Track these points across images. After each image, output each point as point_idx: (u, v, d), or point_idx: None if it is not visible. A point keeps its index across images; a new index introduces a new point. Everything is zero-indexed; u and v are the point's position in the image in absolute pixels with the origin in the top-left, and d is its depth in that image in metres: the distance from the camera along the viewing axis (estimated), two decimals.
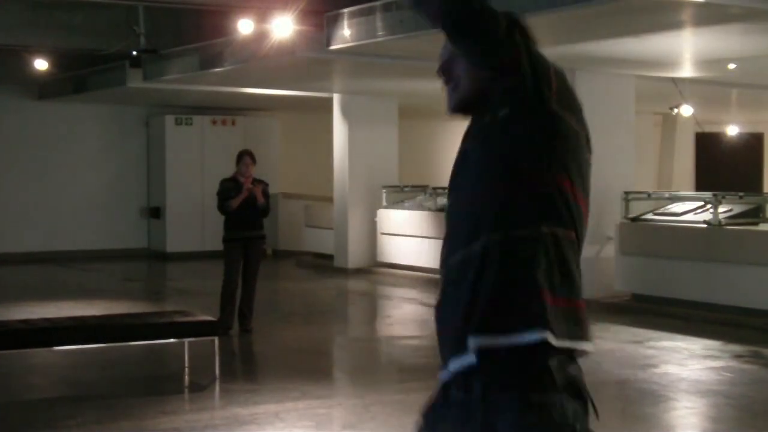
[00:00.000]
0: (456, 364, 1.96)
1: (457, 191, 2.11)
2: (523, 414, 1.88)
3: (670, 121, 17.52)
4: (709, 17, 7.74)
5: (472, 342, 1.92)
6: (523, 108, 2.02)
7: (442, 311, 2.04)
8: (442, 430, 2.00)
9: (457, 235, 2.05)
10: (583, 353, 2.00)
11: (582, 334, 1.99)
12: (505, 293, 1.93)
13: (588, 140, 2.20)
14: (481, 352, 1.93)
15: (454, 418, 1.97)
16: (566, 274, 1.98)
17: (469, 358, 1.93)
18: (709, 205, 9.87)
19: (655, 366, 7.33)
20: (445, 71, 2.17)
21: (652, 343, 8.25)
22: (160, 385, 6.70)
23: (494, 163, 2.03)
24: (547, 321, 1.92)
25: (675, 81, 11.69)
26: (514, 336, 1.92)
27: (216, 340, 6.70)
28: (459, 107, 2.17)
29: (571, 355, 1.97)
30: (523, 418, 1.88)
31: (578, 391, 1.96)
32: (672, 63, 10.45)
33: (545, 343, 1.90)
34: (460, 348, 1.94)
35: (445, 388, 2.00)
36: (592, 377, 7.40)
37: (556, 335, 1.92)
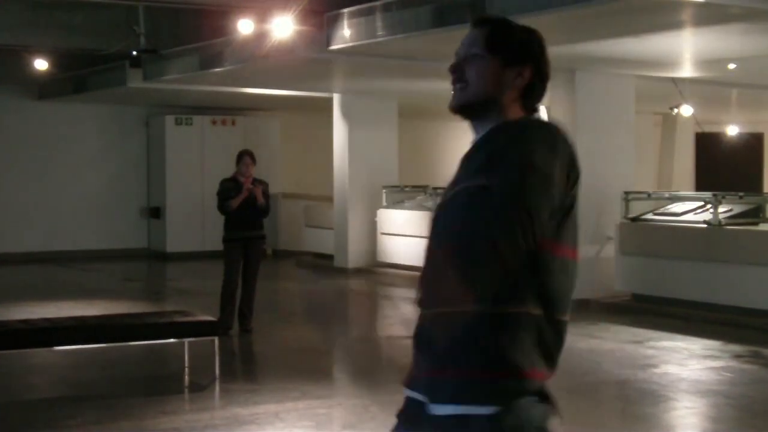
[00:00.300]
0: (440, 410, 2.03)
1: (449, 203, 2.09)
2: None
3: (670, 121, 17.52)
4: (709, 17, 7.74)
5: (451, 409, 2.00)
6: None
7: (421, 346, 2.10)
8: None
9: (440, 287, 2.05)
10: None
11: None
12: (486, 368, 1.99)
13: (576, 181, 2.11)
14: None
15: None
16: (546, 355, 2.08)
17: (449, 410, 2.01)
18: (709, 205, 9.87)
19: (655, 366, 7.33)
20: (458, 70, 2.14)
21: (652, 343, 8.25)
22: (160, 385, 6.70)
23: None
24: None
25: (675, 81, 11.69)
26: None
27: (216, 340, 6.70)
28: (463, 108, 2.14)
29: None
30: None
31: (544, 395, 2.11)
32: (672, 63, 10.45)
33: None
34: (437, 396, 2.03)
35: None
36: (593, 377, 7.45)
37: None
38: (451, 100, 2.15)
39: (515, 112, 2.11)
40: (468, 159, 2.11)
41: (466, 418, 1.98)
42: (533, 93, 2.14)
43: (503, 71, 2.10)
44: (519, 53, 2.10)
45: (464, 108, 2.13)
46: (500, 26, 2.15)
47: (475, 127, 2.14)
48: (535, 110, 2.15)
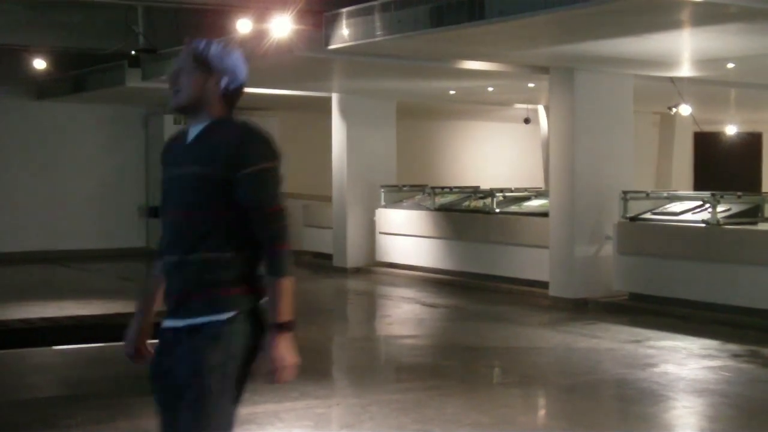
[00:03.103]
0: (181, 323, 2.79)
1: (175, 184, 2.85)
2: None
3: (668, 121, 17.54)
4: (707, 17, 7.75)
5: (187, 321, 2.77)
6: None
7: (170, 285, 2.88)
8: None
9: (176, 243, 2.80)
10: None
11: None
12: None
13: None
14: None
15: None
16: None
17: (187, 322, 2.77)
18: (707, 205, 9.88)
19: (653, 365, 7.34)
20: (174, 79, 2.83)
21: (650, 343, 8.26)
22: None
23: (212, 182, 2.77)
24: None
25: (673, 80, 11.70)
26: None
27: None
28: (179, 109, 2.84)
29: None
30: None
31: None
32: (670, 62, 10.46)
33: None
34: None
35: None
36: (591, 376, 7.44)
37: None
38: (171, 101, 2.85)
39: (218, 110, 2.83)
40: (187, 148, 2.79)
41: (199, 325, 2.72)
42: (231, 95, 2.86)
43: (205, 80, 2.81)
44: (215, 66, 2.82)
45: (180, 108, 2.84)
46: (204, 46, 2.85)
47: (191, 121, 2.84)
48: (233, 107, 2.88)
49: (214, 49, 2.85)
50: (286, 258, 2.72)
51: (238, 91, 2.88)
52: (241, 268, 2.72)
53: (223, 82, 2.83)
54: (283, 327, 2.68)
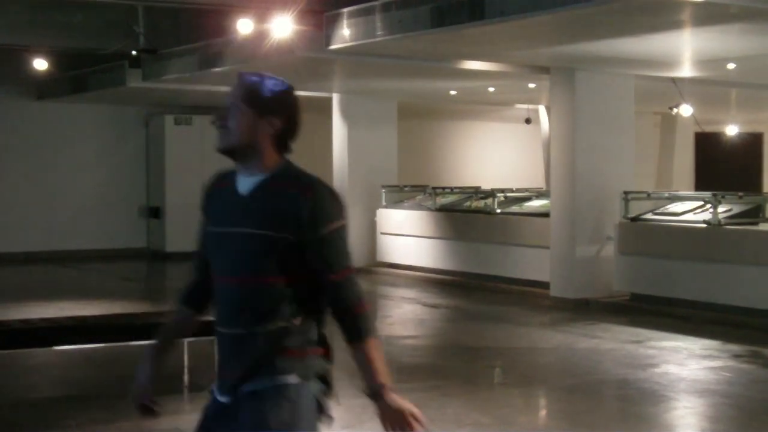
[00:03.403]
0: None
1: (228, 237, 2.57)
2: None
3: (669, 121, 17.53)
4: (708, 17, 7.75)
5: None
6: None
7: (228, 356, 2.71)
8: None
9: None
10: None
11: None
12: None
13: None
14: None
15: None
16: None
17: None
18: (708, 205, 9.88)
19: (654, 366, 7.34)
20: (222, 117, 2.55)
21: (651, 343, 8.26)
22: (160, 384, 6.69)
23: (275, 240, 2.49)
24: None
25: (674, 81, 11.70)
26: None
27: (215, 339, 6.68)
28: (227, 150, 2.56)
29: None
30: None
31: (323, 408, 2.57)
32: (671, 63, 10.46)
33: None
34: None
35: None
36: (592, 377, 7.43)
37: None
38: (217, 142, 2.58)
39: (272, 158, 2.51)
40: (244, 203, 2.50)
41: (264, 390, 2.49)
42: (285, 138, 2.52)
43: (257, 121, 2.49)
44: (270, 106, 2.49)
45: (226, 151, 2.56)
46: (256, 83, 2.53)
47: (239, 165, 2.56)
48: (288, 151, 2.54)
49: (270, 86, 2.50)
50: (371, 318, 2.52)
51: (293, 135, 2.54)
52: (310, 331, 2.50)
53: (277, 124, 2.49)
54: (386, 387, 2.43)
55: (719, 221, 9.54)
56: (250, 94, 2.51)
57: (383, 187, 14.04)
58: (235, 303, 2.55)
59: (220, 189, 2.61)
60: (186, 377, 6.67)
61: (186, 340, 6.66)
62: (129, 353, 7.32)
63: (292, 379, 2.46)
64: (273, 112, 2.49)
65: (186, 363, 6.69)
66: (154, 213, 16.35)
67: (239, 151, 2.52)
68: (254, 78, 2.53)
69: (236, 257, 2.48)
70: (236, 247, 2.47)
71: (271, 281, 2.44)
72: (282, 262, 2.42)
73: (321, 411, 2.53)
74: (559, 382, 7.01)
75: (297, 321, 2.47)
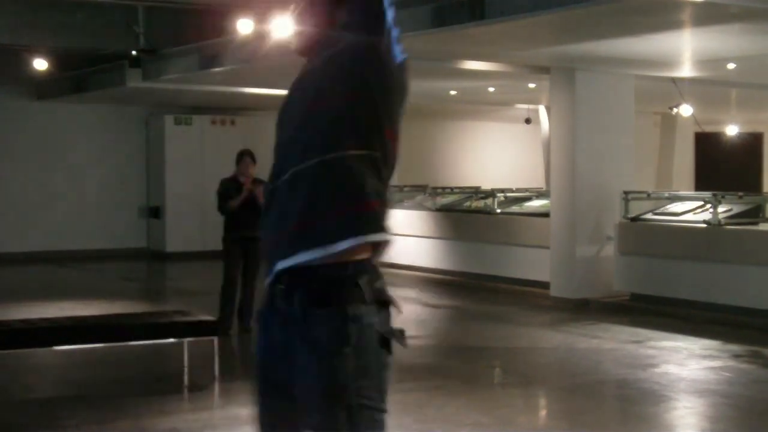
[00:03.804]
0: (283, 264, 2.20)
1: (294, 111, 2.31)
2: (341, 325, 2.16)
3: (669, 121, 17.53)
4: (708, 17, 7.75)
5: (302, 256, 2.17)
6: (360, 43, 2.24)
7: (271, 220, 2.25)
8: (271, 332, 2.28)
9: (287, 157, 2.25)
10: (387, 245, 2.27)
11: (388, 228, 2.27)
12: (343, 204, 2.18)
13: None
14: (300, 270, 2.18)
15: (281, 323, 2.25)
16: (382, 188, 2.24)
17: (296, 259, 2.18)
18: (708, 205, 9.88)
19: (654, 366, 7.34)
20: (298, 15, 2.42)
21: (651, 343, 8.26)
22: (160, 385, 6.71)
23: (330, 88, 2.23)
24: (385, 226, 2.23)
25: (674, 81, 11.70)
26: (363, 237, 2.18)
27: (215, 340, 6.70)
28: (305, 49, 2.40)
29: (377, 271, 2.25)
30: (341, 328, 2.16)
31: (384, 301, 2.25)
32: (671, 63, 10.46)
33: (358, 262, 2.19)
34: (289, 253, 2.19)
35: (271, 295, 2.26)
36: (592, 377, 7.42)
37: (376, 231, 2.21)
38: (294, 42, 2.43)
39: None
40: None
41: (311, 270, 2.17)
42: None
43: (334, 10, 2.32)
44: None
45: (306, 49, 2.40)
46: None
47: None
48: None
49: None
50: None
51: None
52: None
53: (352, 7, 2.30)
54: None
55: (719, 221, 9.54)
56: None
57: None
58: None
59: None
60: (186, 377, 6.67)
61: (186, 340, 6.67)
62: (129, 353, 7.33)
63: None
64: None
65: (186, 363, 6.69)
66: (154, 213, 16.35)
67: (319, 46, 2.33)
68: None
69: None
70: None
71: None
72: None
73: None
74: (559, 382, 7.01)
75: None
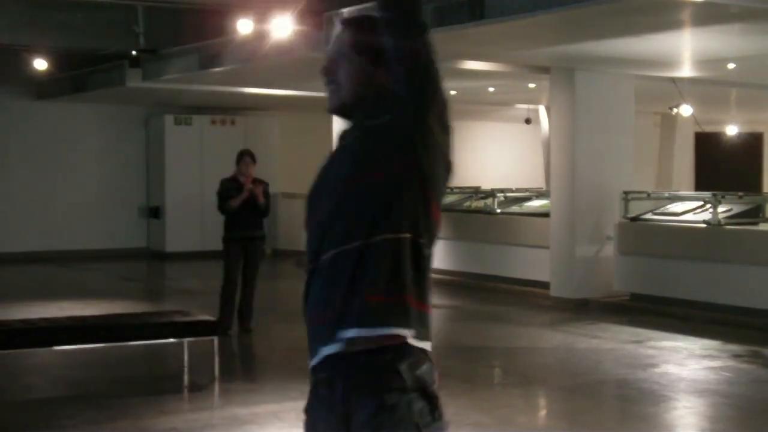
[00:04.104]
0: (326, 351, 2.09)
1: (331, 185, 2.14)
2: (376, 413, 2.04)
3: (669, 121, 17.52)
4: (708, 17, 7.75)
5: (347, 333, 2.06)
6: (405, 116, 2.08)
7: (311, 302, 2.14)
8: (317, 425, 2.15)
9: (326, 235, 2.10)
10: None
11: (430, 336, 2.15)
12: (378, 292, 2.05)
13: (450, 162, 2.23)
14: (342, 355, 2.07)
15: (322, 410, 2.14)
16: (423, 282, 2.12)
17: (335, 346, 2.07)
18: (708, 205, 9.88)
19: (654, 366, 7.33)
20: (329, 72, 2.20)
21: (651, 343, 8.26)
22: (160, 384, 6.71)
23: (374, 163, 2.08)
24: (410, 323, 2.08)
25: (674, 81, 11.70)
26: (400, 330, 2.06)
27: (215, 340, 6.70)
28: (339, 109, 2.21)
29: (424, 356, 2.11)
30: (376, 416, 2.04)
31: (426, 390, 2.09)
32: (671, 63, 10.45)
33: (399, 347, 2.06)
34: (329, 338, 2.08)
35: (315, 383, 2.15)
36: (592, 377, 7.42)
37: (416, 336, 2.09)
38: (327, 102, 2.22)
39: None
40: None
41: (351, 355, 2.05)
42: None
43: (373, 70, 2.13)
44: (383, 51, 2.09)
45: (340, 110, 2.20)
46: (365, 24, 2.15)
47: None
48: None
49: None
50: None
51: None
52: None
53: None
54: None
55: (719, 221, 9.54)
56: (361, 39, 2.15)
57: None
58: None
59: None
60: (186, 377, 6.67)
61: (186, 340, 6.67)
62: (129, 353, 7.33)
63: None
64: (388, 57, 2.10)
65: (186, 363, 6.70)
66: (154, 213, 16.34)
67: (354, 108, 2.18)
68: (364, 20, 2.17)
69: None
70: None
71: None
72: None
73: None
74: (558, 382, 7.01)
75: None
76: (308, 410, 2.18)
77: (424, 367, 2.10)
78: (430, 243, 2.15)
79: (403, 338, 2.06)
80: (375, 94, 2.13)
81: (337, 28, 2.20)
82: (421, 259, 2.11)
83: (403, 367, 2.05)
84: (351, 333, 2.05)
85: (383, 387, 2.04)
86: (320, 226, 2.12)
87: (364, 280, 2.04)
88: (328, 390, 2.10)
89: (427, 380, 2.10)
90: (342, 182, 2.10)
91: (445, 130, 2.16)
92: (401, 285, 2.06)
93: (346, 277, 2.05)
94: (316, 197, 2.17)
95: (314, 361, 2.12)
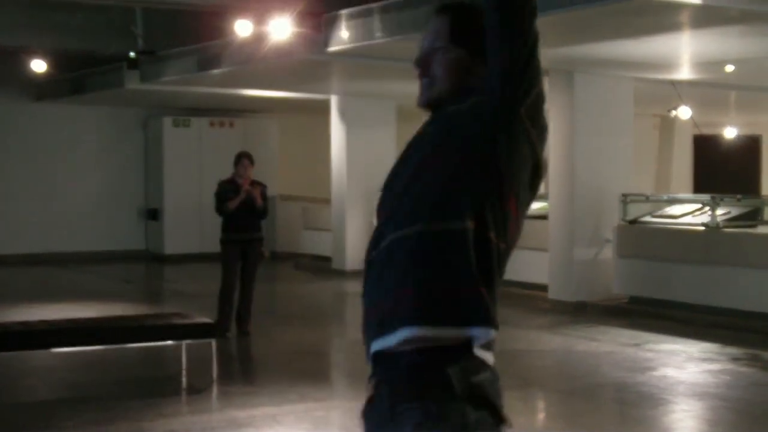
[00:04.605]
0: (375, 347, 1.94)
1: (407, 170, 2.01)
2: (423, 424, 1.85)
3: (668, 124, 17.52)
4: (707, 19, 7.75)
5: (408, 332, 1.87)
6: (492, 102, 1.95)
7: (366, 292, 1.99)
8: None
9: (388, 222, 1.97)
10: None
11: (492, 344, 1.94)
12: (444, 284, 1.87)
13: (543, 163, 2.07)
14: (383, 358, 1.91)
15: (373, 418, 1.97)
16: (488, 282, 1.92)
17: (392, 339, 1.89)
18: (707, 208, 9.88)
19: (653, 369, 7.33)
20: (423, 64, 2.06)
21: (650, 346, 8.25)
22: (158, 387, 6.70)
23: (452, 147, 1.95)
24: (493, 319, 1.89)
25: (673, 83, 11.70)
26: (462, 330, 1.87)
27: (214, 342, 6.69)
28: (432, 104, 2.08)
29: (483, 363, 1.91)
30: (420, 427, 1.85)
31: (484, 400, 1.90)
32: (670, 65, 10.45)
33: (452, 348, 1.87)
34: (378, 333, 1.92)
35: (370, 389, 1.99)
36: (590, 380, 7.43)
37: (476, 340, 1.89)
38: (419, 96, 2.09)
39: None
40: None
41: (393, 359, 1.87)
42: None
43: (471, 62, 2.02)
44: (483, 41, 1.96)
45: (434, 104, 2.07)
46: (463, 13, 2.02)
47: None
48: None
49: (482, 16, 1.97)
50: None
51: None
52: None
53: None
54: None
55: (718, 224, 9.54)
56: (458, 29, 2.01)
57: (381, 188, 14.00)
58: None
59: None
60: (184, 380, 6.66)
61: (184, 342, 6.67)
62: (127, 356, 7.33)
63: None
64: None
65: (184, 365, 6.69)
66: (153, 215, 16.32)
67: (444, 103, 2.04)
68: (461, 7, 2.03)
69: None
70: None
71: None
72: None
73: None
74: (557, 385, 7.00)
75: None
76: (364, 416, 2.01)
77: (483, 375, 1.90)
78: (503, 240, 1.93)
79: (460, 340, 1.86)
80: (470, 88, 1.99)
81: (433, 17, 2.06)
82: (488, 256, 1.90)
83: (453, 372, 1.85)
84: (402, 331, 1.86)
85: (430, 393, 1.85)
86: (385, 211, 1.99)
87: (419, 270, 1.87)
88: (377, 396, 1.95)
89: (488, 391, 1.90)
90: (415, 165, 1.98)
91: (537, 124, 1.97)
92: (460, 279, 1.86)
93: (402, 266, 1.89)
94: (389, 185, 2.04)
95: (367, 358, 1.98)
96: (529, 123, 1.96)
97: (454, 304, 1.87)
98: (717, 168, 18.51)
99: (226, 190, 8.46)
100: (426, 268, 1.88)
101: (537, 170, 2.00)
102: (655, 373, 7.16)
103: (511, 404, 6.47)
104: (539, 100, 1.97)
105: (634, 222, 10.35)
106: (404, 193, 1.96)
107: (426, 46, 2.06)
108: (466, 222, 1.89)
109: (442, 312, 1.86)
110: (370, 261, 2.00)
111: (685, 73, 11.09)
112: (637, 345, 8.32)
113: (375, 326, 1.93)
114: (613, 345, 8.36)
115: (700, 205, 10.16)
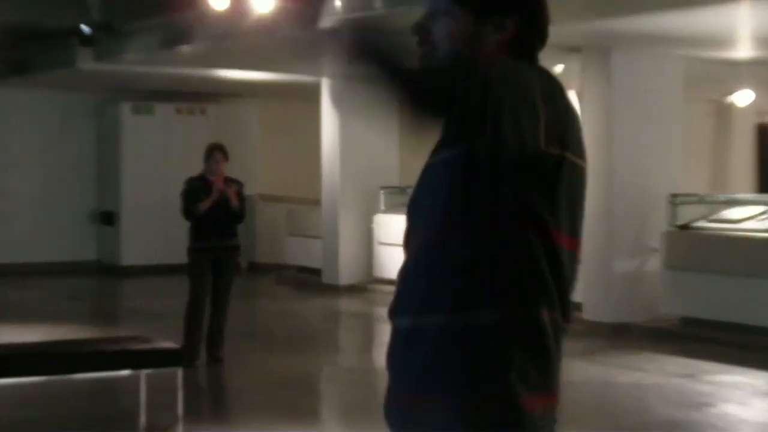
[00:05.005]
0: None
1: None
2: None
3: (725, 111, 17.53)
4: None
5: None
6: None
7: (395, 304, 2.12)
8: None
9: (416, 211, 2.13)
10: None
11: None
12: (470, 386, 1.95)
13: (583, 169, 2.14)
14: None
15: None
16: (544, 366, 2.00)
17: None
18: None
19: (710, 405, 7.31)
20: (421, 30, 2.11)
21: (706, 377, 8.24)
22: (112, 425, 6.68)
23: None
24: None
25: (731, 62, 11.70)
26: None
27: (179, 371, 6.65)
28: None
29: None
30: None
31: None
32: (728, 41, 10.46)
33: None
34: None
35: None
36: (636, 417, 7.36)
37: None
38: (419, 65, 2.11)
39: None
40: None
41: None
42: (526, 45, 2.06)
43: (477, 26, 2.05)
44: (494, 2, 2.03)
45: None
46: None
47: None
48: (534, 63, 2.08)
49: None
50: None
51: (538, 38, 2.10)
52: None
53: (510, 27, 2.05)
54: None
55: None
56: None
57: (382, 188, 14.02)
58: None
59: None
60: (143, 417, 6.60)
61: (143, 372, 6.60)
62: (74, 388, 7.26)
63: None
64: (499, 11, 2.04)
65: (143, 400, 6.62)
66: (107, 219, 16.36)
67: None
68: None
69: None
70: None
71: None
72: None
73: None
74: (594, 424, 6.97)
75: None
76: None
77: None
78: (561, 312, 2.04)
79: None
80: (475, 59, 1.99)
81: None
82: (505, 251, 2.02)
83: None
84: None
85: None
86: (411, 202, 2.15)
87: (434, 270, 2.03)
88: None
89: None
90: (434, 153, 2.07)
91: (551, 101, 2.04)
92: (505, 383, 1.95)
93: (421, 265, 2.06)
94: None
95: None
96: (542, 103, 1.98)
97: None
98: None
99: (195, 189, 8.46)
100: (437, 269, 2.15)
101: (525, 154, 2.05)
102: (713, 410, 7.13)
103: None
104: (473, 94, 1.92)
105: (685, 227, 10.35)
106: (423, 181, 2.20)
107: (427, 8, 2.11)
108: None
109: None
110: (401, 270, 2.15)
111: (745, 49, 11.09)
112: (690, 376, 8.30)
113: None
114: (662, 375, 8.34)
115: (764, 208, 10.16)
